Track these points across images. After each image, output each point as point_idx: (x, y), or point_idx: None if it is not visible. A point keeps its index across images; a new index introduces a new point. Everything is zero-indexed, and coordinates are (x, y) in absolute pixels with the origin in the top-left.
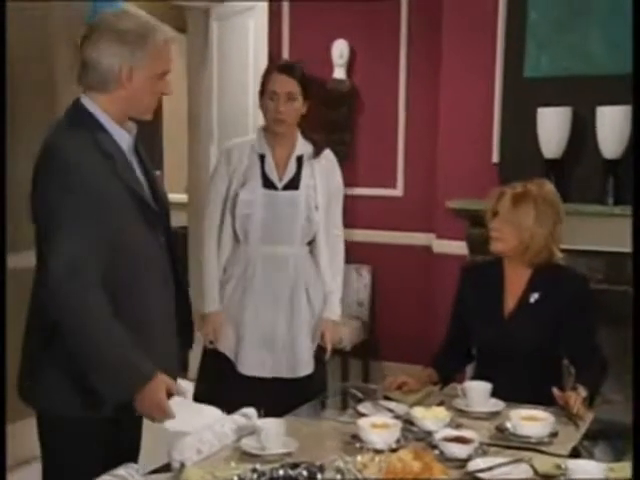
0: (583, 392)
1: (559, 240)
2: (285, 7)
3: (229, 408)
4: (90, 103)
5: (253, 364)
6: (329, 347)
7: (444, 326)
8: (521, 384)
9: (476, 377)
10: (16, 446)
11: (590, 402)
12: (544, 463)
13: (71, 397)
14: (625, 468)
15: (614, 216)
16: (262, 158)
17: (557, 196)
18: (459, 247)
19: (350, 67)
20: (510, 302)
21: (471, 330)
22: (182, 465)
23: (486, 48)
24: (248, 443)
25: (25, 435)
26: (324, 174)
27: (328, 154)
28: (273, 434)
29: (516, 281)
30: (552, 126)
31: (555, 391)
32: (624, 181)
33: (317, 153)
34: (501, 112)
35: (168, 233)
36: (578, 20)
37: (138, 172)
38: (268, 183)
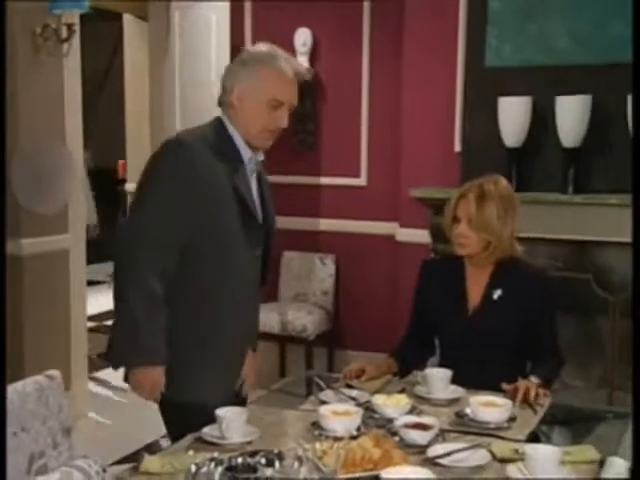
0: (535, 379)
1: (516, 233)
2: None
3: None
4: (225, 118)
5: None
6: None
7: (408, 315)
8: (485, 377)
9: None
10: None
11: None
12: (502, 448)
13: None
14: (581, 451)
15: (574, 204)
16: None
17: (512, 190)
18: (422, 236)
19: (313, 55)
20: (474, 298)
21: (434, 324)
22: (142, 456)
23: (448, 38)
24: (209, 432)
25: None
26: None
27: None
28: (234, 423)
29: (478, 277)
30: (513, 115)
31: (504, 386)
32: (584, 170)
33: None
34: (463, 101)
35: (264, 250)
36: (539, 10)
37: (254, 190)
38: None
